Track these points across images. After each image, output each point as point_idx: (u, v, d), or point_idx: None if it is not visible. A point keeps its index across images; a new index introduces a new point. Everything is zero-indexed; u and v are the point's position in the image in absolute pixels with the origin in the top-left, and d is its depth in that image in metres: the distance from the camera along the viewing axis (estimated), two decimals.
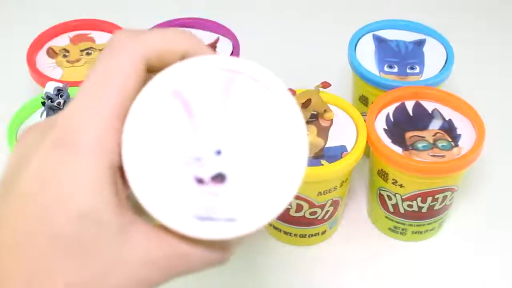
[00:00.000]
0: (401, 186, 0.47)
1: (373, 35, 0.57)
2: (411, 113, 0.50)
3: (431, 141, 0.47)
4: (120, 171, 0.25)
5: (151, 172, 0.25)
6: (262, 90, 0.25)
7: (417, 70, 0.54)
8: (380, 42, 0.56)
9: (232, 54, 0.56)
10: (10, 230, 0.23)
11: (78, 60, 0.56)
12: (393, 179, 0.47)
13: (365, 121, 0.48)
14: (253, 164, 0.25)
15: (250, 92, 0.25)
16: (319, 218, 0.49)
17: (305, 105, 0.47)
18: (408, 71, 0.54)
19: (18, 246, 0.22)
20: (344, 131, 0.48)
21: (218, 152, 0.25)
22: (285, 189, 0.25)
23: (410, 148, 0.47)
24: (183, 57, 0.26)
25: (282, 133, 0.25)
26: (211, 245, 0.26)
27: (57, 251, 0.22)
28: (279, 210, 0.25)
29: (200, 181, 0.25)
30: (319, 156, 0.46)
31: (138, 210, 0.25)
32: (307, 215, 0.48)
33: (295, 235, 0.50)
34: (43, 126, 0.25)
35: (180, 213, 0.25)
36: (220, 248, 0.26)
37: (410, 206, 0.48)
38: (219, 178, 0.25)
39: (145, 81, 0.25)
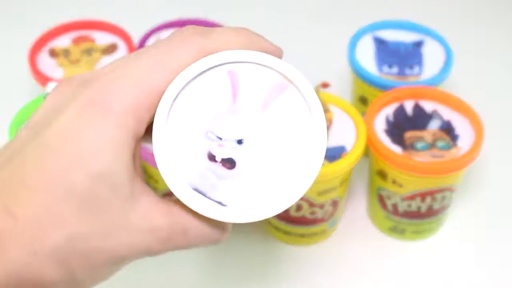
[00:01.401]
0: (400, 186, 0.47)
1: (373, 35, 0.57)
2: (410, 113, 0.50)
3: (430, 141, 0.48)
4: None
5: (174, 134, 0.26)
6: (302, 104, 0.27)
7: (417, 70, 0.54)
8: (379, 42, 0.56)
9: None
10: (29, 173, 0.24)
11: (79, 61, 0.57)
12: (393, 179, 0.48)
13: (364, 121, 0.48)
14: (266, 164, 0.26)
15: (292, 102, 0.27)
16: (318, 217, 0.49)
17: None
18: (408, 71, 0.54)
19: (34, 189, 0.24)
20: (344, 131, 0.48)
21: (240, 142, 0.26)
22: (283, 198, 0.27)
23: (409, 148, 0.47)
24: None
25: (303, 147, 0.27)
26: (212, 223, 0.27)
27: (67, 203, 0.24)
28: (272, 213, 0.26)
29: (211, 157, 0.26)
30: None
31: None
32: (307, 215, 0.48)
33: (295, 234, 0.51)
34: (80, 82, 0.26)
35: (181, 178, 0.26)
36: (220, 228, 0.27)
37: (409, 206, 0.49)
38: (229, 162, 0.26)
39: None
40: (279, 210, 0.26)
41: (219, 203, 0.26)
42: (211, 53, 0.26)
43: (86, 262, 0.25)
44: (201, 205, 0.26)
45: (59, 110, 0.25)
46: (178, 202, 0.27)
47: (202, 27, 0.27)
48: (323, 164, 0.45)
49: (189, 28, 0.27)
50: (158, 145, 0.26)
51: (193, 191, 0.26)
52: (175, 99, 0.26)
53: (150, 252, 0.26)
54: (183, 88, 0.26)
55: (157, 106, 0.26)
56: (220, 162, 0.26)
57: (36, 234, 0.23)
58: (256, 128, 0.26)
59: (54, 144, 0.24)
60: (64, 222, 0.24)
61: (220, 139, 0.26)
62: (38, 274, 0.24)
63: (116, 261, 0.26)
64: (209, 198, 0.26)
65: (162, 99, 0.26)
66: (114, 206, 0.25)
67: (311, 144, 0.27)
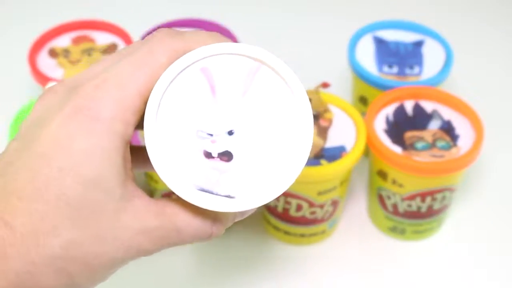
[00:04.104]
0: (400, 186, 0.47)
1: (373, 35, 0.57)
2: (410, 113, 0.50)
3: (430, 141, 0.48)
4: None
5: (166, 139, 0.27)
6: (281, 84, 0.27)
7: (417, 70, 0.54)
8: (379, 42, 0.56)
9: None
10: (21, 183, 0.24)
11: (79, 61, 0.56)
12: (393, 179, 0.48)
13: (364, 121, 0.48)
14: (260, 148, 0.27)
15: (270, 83, 0.27)
16: (318, 217, 0.49)
17: None
18: (408, 71, 0.54)
19: (27, 199, 0.24)
20: (344, 131, 0.48)
21: (230, 132, 0.27)
22: (284, 177, 0.27)
23: (409, 148, 0.47)
24: None
25: (291, 124, 0.27)
26: (204, 220, 0.28)
27: (61, 211, 0.24)
28: (277, 194, 0.27)
29: (208, 155, 0.27)
30: (319, 156, 0.46)
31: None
32: (307, 215, 0.49)
33: (295, 234, 0.51)
34: (64, 88, 0.27)
35: (184, 181, 0.27)
36: (213, 225, 0.28)
37: (409, 205, 0.49)
38: (226, 155, 0.27)
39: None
40: (284, 188, 0.27)
41: (228, 196, 0.27)
42: (185, 53, 0.27)
43: (83, 267, 0.25)
44: (211, 203, 0.27)
45: (47, 119, 0.26)
46: (175, 201, 0.27)
47: (175, 30, 0.28)
48: (323, 165, 0.45)
49: (162, 31, 0.28)
50: (154, 153, 0.26)
51: (200, 191, 0.27)
52: (159, 104, 0.26)
53: (145, 252, 0.27)
54: (164, 92, 0.26)
55: (142, 108, 0.26)
56: (217, 157, 0.27)
57: (32, 243, 0.24)
58: (241, 116, 0.27)
59: (45, 153, 0.25)
60: (59, 230, 0.24)
61: (211, 135, 0.27)
62: (38, 282, 0.24)
63: (112, 264, 0.26)
64: (217, 194, 0.27)
65: (147, 105, 0.26)
66: (106, 211, 0.25)
67: (298, 116, 0.27)
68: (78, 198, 0.24)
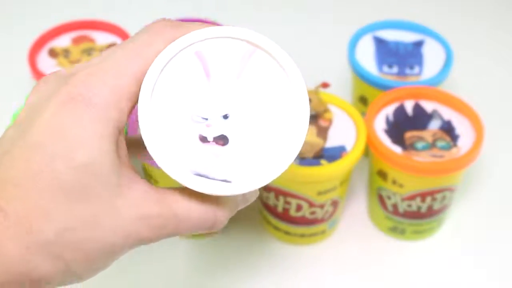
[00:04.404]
0: (400, 186, 0.47)
1: (373, 35, 0.57)
2: (410, 113, 0.50)
3: (430, 141, 0.48)
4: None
5: (161, 124, 0.26)
6: (275, 67, 0.27)
7: (417, 70, 0.54)
8: (379, 42, 0.56)
9: None
10: (16, 171, 0.25)
11: (79, 61, 0.56)
12: (393, 179, 0.48)
13: (364, 121, 0.48)
14: (256, 132, 0.27)
15: (264, 67, 0.27)
16: (318, 217, 0.49)
17: None
18: (408, 71, 0.54)
19: (22, 186, 0.24)
20: (344, 131, 0.48)
21: (225, 116, 0.27)
22: (281, 159, 0.27)
23: (409, 148, 0.47)
24: None
25: (287, 107, 0.27)
26: (206, 208, 0.27)
27: (54, 194, 0.24)
28: (274, 176, 0.27)
29: (203, 139, 0.27)
30: (319, 156, 0.46)
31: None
32: (307, 215, 0.48)
33: (295, 234, 0.51)
34: (58, 77, 0.27)
35: (180, 166, 0.26)
36: (216, 212, 0.28)
37: (409, 206, 0.49)
38: (221, 139, 0.27)
39: None
40: (279, 172, 0.27)
41: (224, 181, 0.27)
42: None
43: (78, 253, 0.25)
44: (209, 186, 0.26)
45: (41, 107, 0.26)
46: (176, 189, 0.27)
47: (172, 20, 0.28)
48: (323, 165, 0.45)
49: (160, 21, 0.28)
50: (149, 138, 0.26)
51: (197, 176, 0.27)
52: (153, 88, 0.26)
53: (142, 239, 0.27)
54: (158, 76, 0.26)
55: (137, 94, 0.26)
56: (213, 141, 0.27)
57: (26, 229, 0.24)
58: (236, 99, 0.27)
59: (39, 141, 0.25)
60: (52, 215, 0.24)
61: (206, 119, 0.27)
62: (33, 268, 0.24)
63: (109, 251, 0.26)
64: (213, 179, 0.27)
65: (141, 89, 0.26)
66: (100, 196, 0.25)
67: (294, 100, 0.27)
68: (71, 183, 0.24)
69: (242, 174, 0.27)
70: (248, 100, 0.27)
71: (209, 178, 0.27)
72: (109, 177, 0.25)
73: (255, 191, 0.29)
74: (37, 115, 0.26)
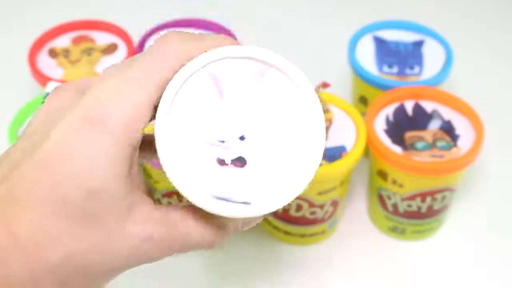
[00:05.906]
0: (400, 186, 0.47)
1: (373, 35, 0.57)
2: (410, 113, 0.50)
3: (431, 141, 0.48)
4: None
5: (178, 148, 0.26)
6: (290, 85, 0.27)
7: (417, 70, 0.54)
8: (379, 42, 0.56)
9: None
10: (25, 192, 0.24)
11: (79, 61, 0.56)
12: (393, 179, 0.48)
13: (364, 121, 0.48)
14: (272, 152, 0.27)
15: (278, 85, 0.27)
16: (318, 217, 0.49)
17: None
18: (408, 71, 0.54)
19: (30, 208, 0.24)
20: (344, 131, 0.48)
21: (242, 138, 0.27)
22: (299, 178, 0.27)
23: (409, 148, 0.47)
24: None
25: (302, 126, 0.27)
26: (208, 228, 0.27)
27: (63, 219, 0.24)
28: (293, 197, 0.27)
29: (221, 162, 0.27)
30: None
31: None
32: (307, 215, 0.48)
33: (295, 234, 0.51)
34: (74, 91, 0.26)
35: (200, 189, 0.26)
36: (217, 233, 0.28)
37: (409, 206, 0.49)
38: (239, 161, 0.27)
39: None
40: (298, 191, 0.27)
41: (244, 203, 0.26)
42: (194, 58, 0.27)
43: (85, 277, 0.25)
44: (230, 210, 0.26)
45: (55, 123, 0.25)
46: (178, 207, 0.27)
47: (186, 33, 0.28)
48: (322, 165, 0.45)
49: (174, 35, 0.27)
50: (168, 164, 0.26)
51: (217, 199, 0.26)
52: (168, 112, 0.26)
53: (149, 260, 0.27)
54: (173, 99, 0.26)
55: (150, 115, 0.26)
56: (231, 164, 0.27)
57: (34, 252, 0.24)
58: (251, 119, 0.27)
59: (49, 160, 0.24)
60: (60, 239, 0.24)
61: (223, 142, 0.27)
62: None
63: (114, 273, 0.26)
64: (234, 202, 0.26)
65: (157, 115, 0.26)
66: (109, 220, 0.25)
67: (309, 117, 0.27)
68: (80, 207, 0.24)
69: (262, 195, 0.27)
70: (263, 119, 0.27)
71: (229, 201, 0.26)
72: (119, 202, 0.25)
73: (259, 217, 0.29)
74: (49, 130, 0.25)
